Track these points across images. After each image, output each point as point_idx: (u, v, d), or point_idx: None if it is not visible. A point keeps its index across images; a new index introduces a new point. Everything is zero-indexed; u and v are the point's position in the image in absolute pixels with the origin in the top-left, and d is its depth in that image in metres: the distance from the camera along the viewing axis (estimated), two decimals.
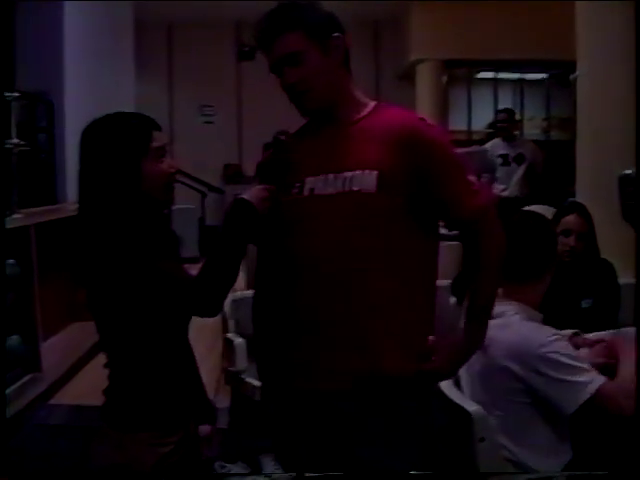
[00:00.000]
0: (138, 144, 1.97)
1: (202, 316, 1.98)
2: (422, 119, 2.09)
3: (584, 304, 3.29)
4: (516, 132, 7.31)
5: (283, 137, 2.06)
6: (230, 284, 1.98)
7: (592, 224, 3.42)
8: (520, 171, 6.96)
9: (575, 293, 3.23)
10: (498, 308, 2.39)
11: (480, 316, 2.05)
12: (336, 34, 2.04)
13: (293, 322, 2.03)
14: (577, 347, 2.79)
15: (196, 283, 1.93)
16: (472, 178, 2.03)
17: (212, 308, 1.98)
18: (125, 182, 1.95)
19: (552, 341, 2.27)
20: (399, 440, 1.96)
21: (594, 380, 2.22)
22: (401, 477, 1.97)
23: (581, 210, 3.46)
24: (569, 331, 2.92)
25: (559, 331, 2.42)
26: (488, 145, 7.32)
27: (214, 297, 1.96)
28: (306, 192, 2.02)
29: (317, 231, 1.99)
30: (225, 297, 1.98)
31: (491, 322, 2.37)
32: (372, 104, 2.11)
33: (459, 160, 2.06)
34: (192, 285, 1.93)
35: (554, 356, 2.22)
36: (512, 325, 2.34)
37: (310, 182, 2.02)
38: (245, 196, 2.00)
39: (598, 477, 1.84)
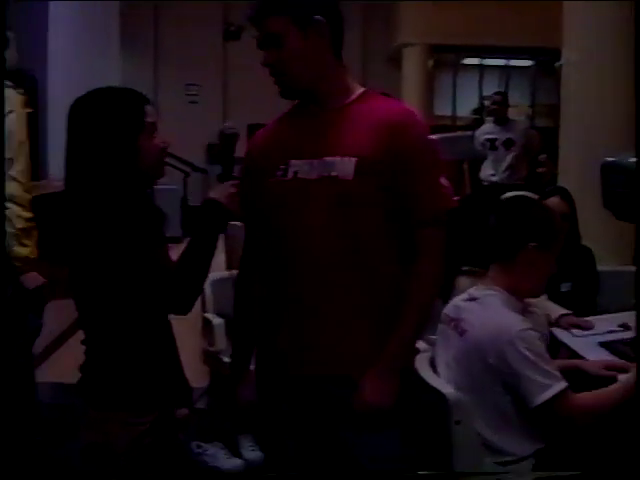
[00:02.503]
0: (135, 118, 1.94)
1: (175, 313, 1.97)
2: (410, 111, 2.09)
3: (563, 287, 3.32)
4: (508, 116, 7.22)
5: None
6: (203, 283, 2.00)
7: (574, 209, 3.44)
8: (509, 156, 6.85)
9: (555, 276, 3.25)
10: (477, 292, 2.40)
11: (401, 340, 1.99)
12: (318, 18, 1.98)
13: (280, 306, 2.05)
14: (566, 327, 2.83)
15: (171, 280, 1.91)
16: (444, 181, 2.04)
17: (184, 307, 1.97)
18: (123, 157, 1.91)
19: (524, 334, 2.23)
20: (385, 424, 1.97)
21: (553, 386, 2.18)
22: (387, 475, 1.99)
23: (563, 194, 3.48)
24: (561, 310, 2.95)
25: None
26: (479, 129, 7.28)
27: (188, 297, 1.96)
28: (290, 175, 2.03)
29: (299, 214, 2.00)
30: (198, 295, 1.98)
31: (470, 305, 2.38)
32: (360, 90, 2.10)
33: (437, 160, 2.07)
34: (168, 280, 1.91)
35: (522, 349, 2.19)
36: (489, 311, 2.33)
37: (295, 165, 2.03)
38: (214, 195, 1.99)
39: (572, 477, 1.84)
